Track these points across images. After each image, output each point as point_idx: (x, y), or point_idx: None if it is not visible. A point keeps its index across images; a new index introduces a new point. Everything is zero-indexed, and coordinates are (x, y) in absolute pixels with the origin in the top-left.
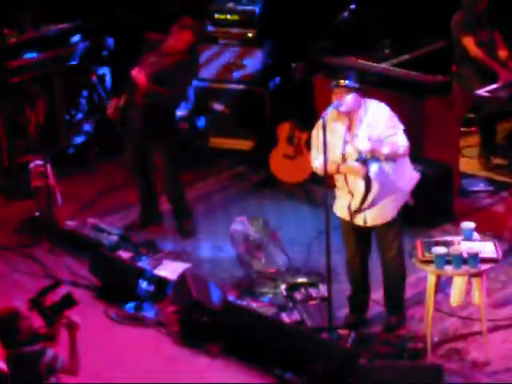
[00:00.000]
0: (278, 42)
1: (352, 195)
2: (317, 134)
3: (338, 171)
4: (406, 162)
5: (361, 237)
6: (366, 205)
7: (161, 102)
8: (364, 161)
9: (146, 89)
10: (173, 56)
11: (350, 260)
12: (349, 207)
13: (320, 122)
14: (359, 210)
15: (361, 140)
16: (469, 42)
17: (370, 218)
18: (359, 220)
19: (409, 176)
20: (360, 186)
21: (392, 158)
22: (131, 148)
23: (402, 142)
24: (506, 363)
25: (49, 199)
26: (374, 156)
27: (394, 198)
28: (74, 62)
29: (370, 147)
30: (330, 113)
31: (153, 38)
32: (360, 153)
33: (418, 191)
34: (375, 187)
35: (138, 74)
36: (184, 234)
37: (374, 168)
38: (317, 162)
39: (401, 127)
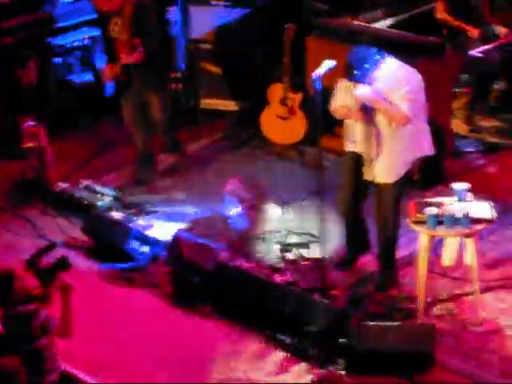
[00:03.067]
0: (270, 2)
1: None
2: (340, 80)
3: (346, 116)
4: (417, 131)
5: (359, 181)
6: (367, 154)
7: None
8: (367, 109)
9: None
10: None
11: (344, 199)
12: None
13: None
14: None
15: (363, 90)
16: (438, 6)
17: (371, 173)
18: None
19: (416, 146)
20: (360, 131)
21: (389, 118)
22: (131, 105)
23: (403, 109)
24: (497, 323)
25: (41, 160)
26: (374, 107)
27: (396, 160)
28: (66, 23)
29: (371, 95)
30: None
31: None
32: (363, 100)
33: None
34: (376, 140)
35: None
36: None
37: (378, 119)
38: (332, 105)
39: (410, 96)
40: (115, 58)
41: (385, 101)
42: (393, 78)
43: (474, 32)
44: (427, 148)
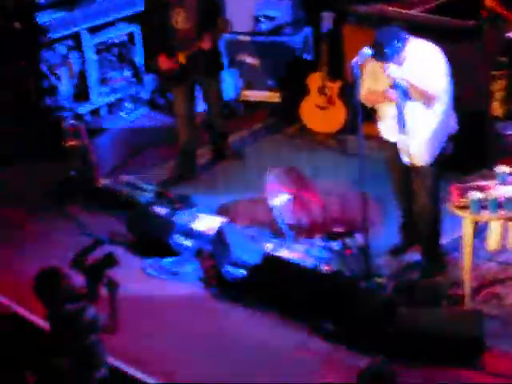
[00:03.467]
0: None
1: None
2: (365, 68)
3: (376, 101)
4: (448, 109)
5: (404, 170)
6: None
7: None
8: (399, 88)
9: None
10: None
11: (396, 191)
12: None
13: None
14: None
15: (394, 68)
16: None
17: (408, 157)
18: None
19: (448, 124)
20: (391, 112)
21: (421, 97)
22: (183, 95)
23: (435, 85)
24: None
25: (84, 158)
26: (404, 86)
27: (431, 140)
28: (102, 20)
29: (402, 75)
30: (366, 61)
31: None
32: (394, 79)
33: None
34: (410, 121)
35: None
36: (220, 154)
37: (408, 103)
38: (361, 92)
39: (441, 72)
40: (174, 48)
41: (416, 79)
42: (422, 56)
43: None
44: (454, 125)
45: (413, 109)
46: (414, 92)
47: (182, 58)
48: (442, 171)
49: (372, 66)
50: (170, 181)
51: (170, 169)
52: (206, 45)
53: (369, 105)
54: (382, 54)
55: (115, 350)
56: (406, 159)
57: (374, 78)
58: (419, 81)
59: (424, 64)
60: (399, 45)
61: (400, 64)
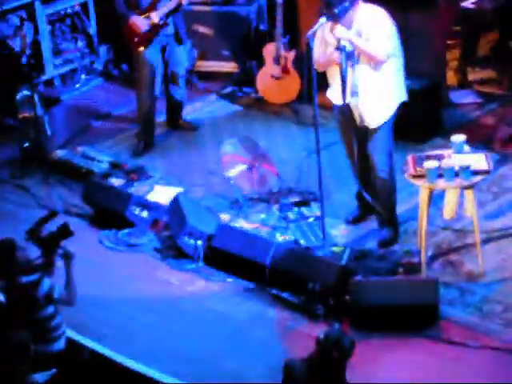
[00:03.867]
0: None
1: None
2: (316, 35)
3: (326, 64)
4: (398, 73)
5: (357, 134)
6: (349, 98)
7: None
8: (343, 51)
9: None
10: None
11: (350, 156)
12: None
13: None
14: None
15: (341, 29)
16: None
17: (360, 119)
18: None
19: (399, 89)
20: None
21: (369, 58)
22: (149, 58)
23: (382, 46)
24: (500, 274)
25: (38, 129)
26: (350, 48)
27: (382, 102)
28: None
29: (347, 36)
30: (319, 28)
31: None
32: (339, 41)
33: (407, 105)
34: (356, 83)
35: None
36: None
37: (356, 66)
38: (314, 58)
39: (388, 34)
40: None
41: (362, 41)
42: (371, 18)
43: None
44: (404, 94)
45: (360, 71)
46: (361, 51)
47: (155, 18)
48: (394, 136)
49: (322, 30)
50: (133, 149)
51: (129, 137)
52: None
53: (319, 69)
54: (330, 14)
55: (71, 322)
56: (358, 121)
57: (323, 43)
58: (365, 43)
59: (371, 27)
60: (347, 4)
61: (348, 27)
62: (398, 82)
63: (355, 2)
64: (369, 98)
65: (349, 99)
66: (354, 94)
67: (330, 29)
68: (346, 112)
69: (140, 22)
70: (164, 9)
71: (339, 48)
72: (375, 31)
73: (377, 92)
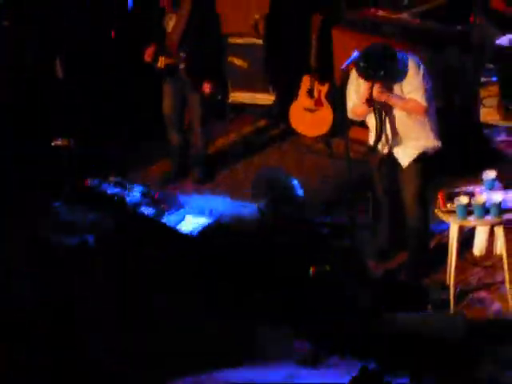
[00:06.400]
0: None
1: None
2: (351, 81)
3: (362, 114)
4: (433, 118)
5: (389, 173)
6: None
7: None
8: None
9: None
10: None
11: (381, 194)
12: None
13: (353, 71)
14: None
15: (381, 90)
16: None
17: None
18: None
19: (434, 133)
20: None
21: (409, 112)
22: (174, 93)
23: (421, 100)
24: None
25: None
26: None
27: (416, 145)
28: None
29: (384, 98)
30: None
31: None
32: (371, 99)
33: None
34: (393, 128)
35: None
36: (195, 180)
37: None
38: (348, 105)
39: (426, 86)
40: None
41: (400, 97)
42: (407, 70)
43: None
44: (438, 139)
45: (398, 119)
46: (400, 108)
47: (161, 63)
48: (429, 174)
49: (357, 79)
50: (162, 180)
51: (160, 169)
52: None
53: (356, 119)
54: (375, 76)
55: None
56: (393, 159)
57: (359, 93)
58: (403, 102)
59: (408, 82)
60: (389, 64)
61: (387, 79)
62: (432, 127)
63: (396, 59)
64: (404, 143)
65: (385, 148)
66: (390, 142)
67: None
68: (380, 154)
69: (148, 52)
70: None
71: (373, 104)
72: (411, 88)
73: (412, 136)
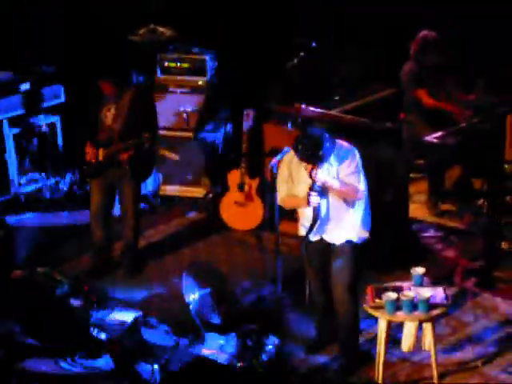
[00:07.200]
0: (228, 89)
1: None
2: (281, 171)
3: (299, 206)
4: (367, 205)
5: (320, 259)
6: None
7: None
8: (316, 191)
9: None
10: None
11: (313, 286)
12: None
13: (284, 160)
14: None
15: (323, 173)
16: (421, 95)
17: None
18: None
19: (364, 220)
20: (310, 214)
21: (345, 196)
22: (103, 191)
23: (357, 184)
24: None
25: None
26: (326, 189)
27: (352, 228)
28: (23, 111)
29: (324, 180)
30: (283, 164)
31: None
32: (314, 183)
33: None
34: (328, 220)
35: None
36: (129, 274)
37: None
38: (278, 195)
39: (360, 172)
40: (98, 142)
41: (339, 181)
42: (344, 157)
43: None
44: (366, 230)
45: (332, 206)
46: (335, 193)
47: (101, 155)
48: (359, 266)
49: (289, 169)
50: (87, 274)
51: (87, 262)
52: (123, 156)
53: (287, 208)
54: (314, 157)
55: None
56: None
57: (292, 182)
58: (343, 186)
59: (346, 167)
60: (328, 145)
61: (322, 164)
62: (364, 213)
63: (334, 143)
64: (337, 230)
65: (317, 236)
66: (322, 230)
67: (305, 167)
68: (312, 245)
69: (90, 153)
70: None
71: (314, 189)
72: (349, 171)
73: (345, 224)
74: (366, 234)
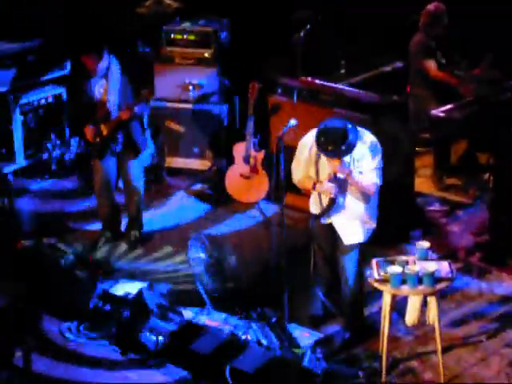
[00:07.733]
0: (234, 61)
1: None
2: (299, 149)
3: (313, 188)
4: (375, 199)
5: (326, 235)
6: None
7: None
8: (335, 183)
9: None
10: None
11: (318, 259)
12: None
13: (302, 141)
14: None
15: (343, 168)
16: (429, 65)
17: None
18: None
19: (375, 208)
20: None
21: (361, 190)
22: (101, 167)
23: (375, 179)
24: (460, 382)
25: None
26: (345, 181)
27: (361, 224)
28: (30, 81)
29: (344, 173)
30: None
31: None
32: (334, 175)
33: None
34: (341, 208)
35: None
36: (133, 246)
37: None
38: (295, 176)
39: (379, 167)
40: (97, 119)
41: (359, 176)
42: (366, 149)
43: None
44: (375, 220)
45: (347, 196)
46: (353, 186)
47: (104, 131)
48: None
49: (310, 152)
50: (94, 245)
51: (93, 233)
52: (124, 115)
53: (302, 188)
54: (335, 152)
55: None
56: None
57: (315, 167)
58: (360, 179)
59: (366, 160)
60: (351, 138)
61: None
62: (373, 205)
63: (358, 134)
64: (348, 219)
65: (329, 219)
66: (334, 216)
67: (327, 158)
68: (321, 223)
69: (90, 133)
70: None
71: (333, 180)
72: (371, 167)
73: (357, 215)
74: (373, 225)
